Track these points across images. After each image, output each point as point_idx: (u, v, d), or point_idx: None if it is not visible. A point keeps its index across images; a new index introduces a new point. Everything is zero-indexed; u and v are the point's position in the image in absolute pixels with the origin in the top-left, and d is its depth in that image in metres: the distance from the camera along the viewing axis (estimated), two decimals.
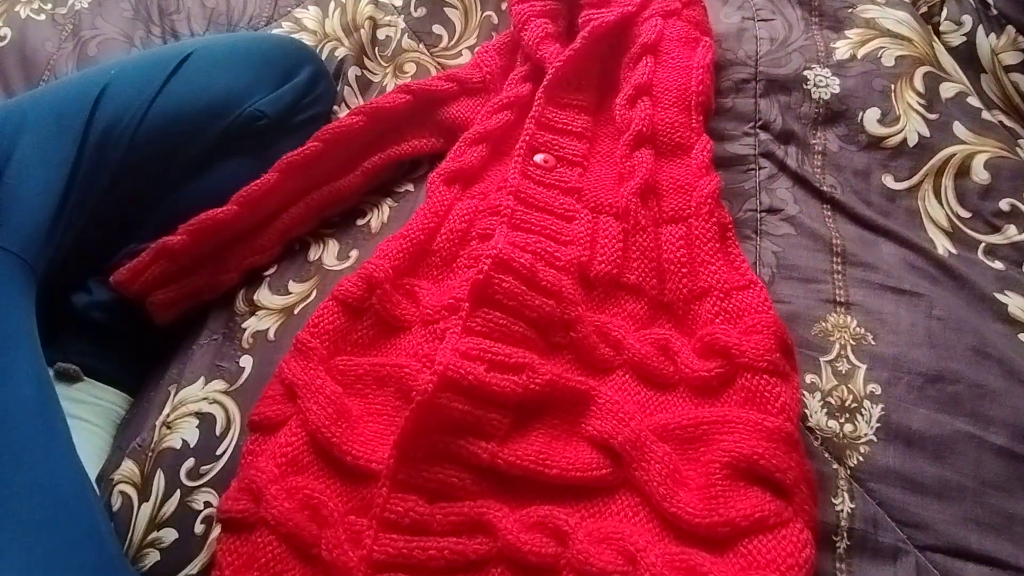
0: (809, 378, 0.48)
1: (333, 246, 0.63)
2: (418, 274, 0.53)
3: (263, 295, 0.60)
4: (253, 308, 0.60)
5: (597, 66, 0.61)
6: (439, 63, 0.73)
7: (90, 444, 0.54)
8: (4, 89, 0.78)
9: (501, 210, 0.52)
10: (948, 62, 0.64)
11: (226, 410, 0.54)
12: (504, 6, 0.76)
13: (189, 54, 0.62)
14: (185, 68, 0.61)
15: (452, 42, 0.74)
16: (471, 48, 0.73)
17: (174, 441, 0.52)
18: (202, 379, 0.56)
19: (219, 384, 0.55)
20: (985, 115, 0.61)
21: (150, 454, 0.52)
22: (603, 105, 0.60)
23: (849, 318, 0.50)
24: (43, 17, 0.84)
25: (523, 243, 0.50)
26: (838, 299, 0.51)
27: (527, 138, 0.56)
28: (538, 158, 0.56)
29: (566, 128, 0.58)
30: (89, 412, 0.57)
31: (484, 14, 0.75)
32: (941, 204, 0.57)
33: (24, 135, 0.56)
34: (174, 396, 0.55)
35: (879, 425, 0.45)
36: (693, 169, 0.53)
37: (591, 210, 0.53)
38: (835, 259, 0.54)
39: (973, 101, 0.62)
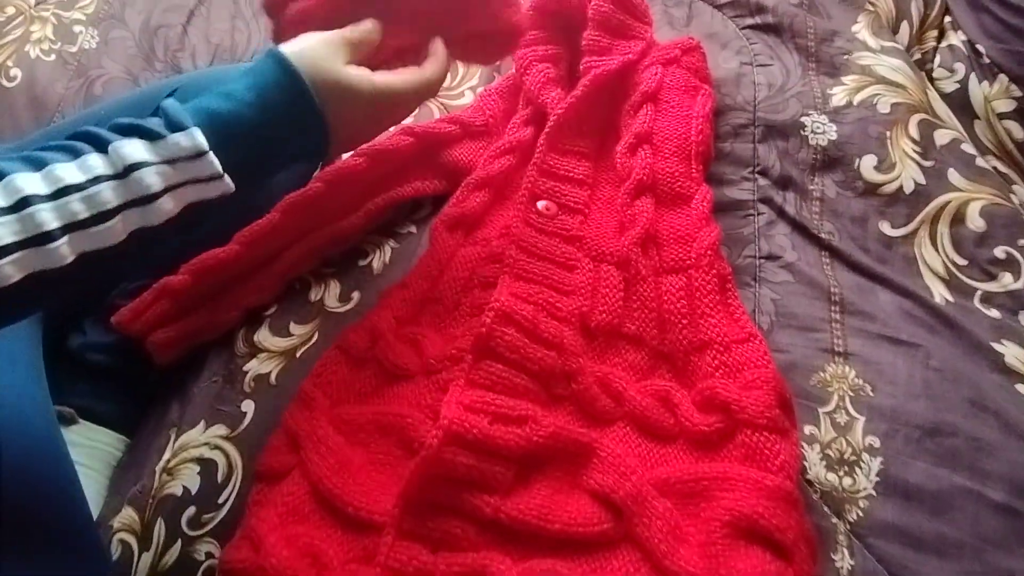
0: (808, 429, 0.49)
1: (335, 287, 0.63)
2: (421, 322, 0.54)
3: (264, 336, 0.61)
4: (254, 350, 0.60)
5: (598, 112, 0.62)
6: (441, 103, 0.74)
7: (85, 488, 0.54)
8: (14, 130, 0.79)
9: (504, 259, 0.52)
10: (942, 109, 0.65)
11: (228, 457, 0.54)
12: None
13: (175, 89, 0.62)
14: None
15: (455, 83, 0.75)
16: (473, 89, 0.74)
17: (175, 488, 0.52)
18: (203, 423, 0.56)
19: (220, 429, 0.55)
20: (979, 161, 0.62)
21: (151, 501, 0.52)
22: (604, 151, 0.61)
23: (847, 368, 0.51)
24: (52, 57, 0.85)
25: (525, 294, 0.50)
26: (836, 349, 0.52)
27: (529, 185, 0.57)
28: (540, 205, 0.57)
29: (568, 175, 0.58)
30: (83, 455, 0.56)
31: None
32: (937, 251, 0.58)
33: None
34: (174, 440, 0.55)
35: (878, 479, 0.46)
36: (693, 219, 0.54)
37: (592, 259, 0.54)
38: (833, 308, 0.54)
39: (967, 148, 0.63)
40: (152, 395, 0.61)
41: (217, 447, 0.54)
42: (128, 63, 0.84)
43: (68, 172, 0.37)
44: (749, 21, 0.72)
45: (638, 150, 0.57)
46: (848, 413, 0.49)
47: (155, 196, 0.39)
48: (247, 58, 0.84)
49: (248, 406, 0.56)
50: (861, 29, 0.70)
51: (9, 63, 0.85)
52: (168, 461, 0.54)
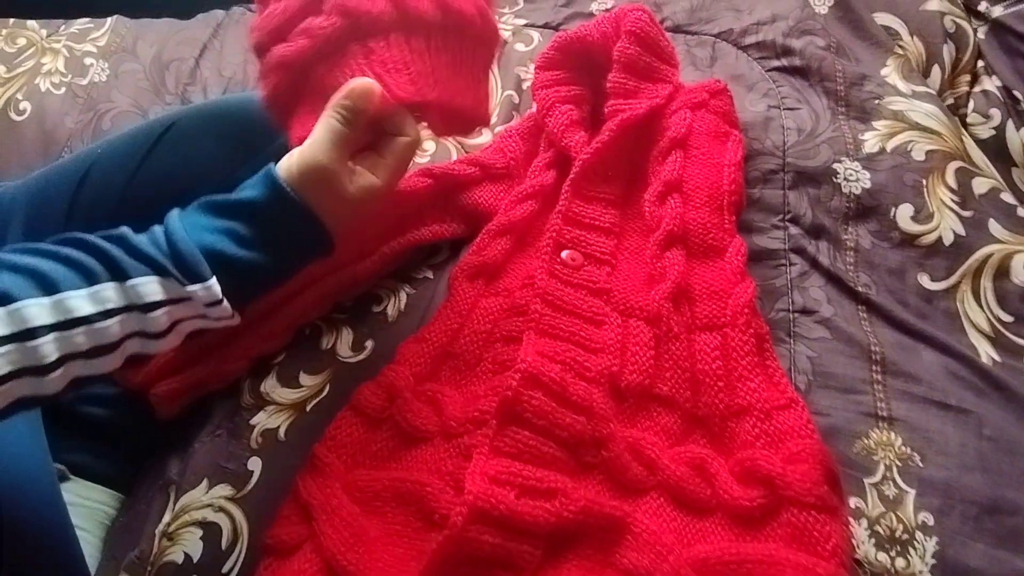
0: (853, 502, 0.45)
1: (347, 334, 0.60)
2: (440, 378, 0.51)
3: (272, 386, 0.58)
4: (261, 401, 0.57)
5: (624, 157, 0.60)
6: (459, 142, 0.72)
7: None
8: (21, 165, 0.77)
9: (528, 312, 0.50)
10: (979, 156, 0.63)
11: (233, 520, 0.50)
12: (525, 85, 0.76)
13: (172, 124, 0.61)
14: (167, 138, 0.60)
15: None
16: (491, 127, 0.72)
17: (176, 555, 0.49)
18: (205, 481, 0.53)
19: (225, 489, 0.52)
20: (1020, 212, 0.60)
21: (149, 569, 0.49)
22: (630, 197, 0.59)
23: (893, 435, 0.48)
24: (62, 91, 0.84)
25: (552, 352, 0.48)
26: (880, 413, 0.49)
27: (554, 234, 0.54)
28: (565, 254, 0.54)
29: (593, 223, 0.56)
30: (76, 515, 0.53)
31: (505, 93, 0.75)
32: (981, 307, 0.55)
33: (13, 222, 0.56)
34: (175, 501, 0.52)
35: (935, 562, 0.42)
36: (727, 274, 0.51)
37: (620, 313, 0.51)
38: (874, 367, 0.52)
39: (1007, 197, 0.60)
40: (150, 449, 0.57)
41: (221, 509, 0.51)
42: (137, 96, 0.82)
43: (79, 303, 0.36)
44: (775, 63, 0.71)
45: (667, 199, 0.54)
46: (897, 485, 0.46)
47: (162, 333, 0.39)
48: None
49: (255, 463, 0.53)
50: (891, 73, 0.69)
51: (19, 96, 0.83)
52: (168, 524, 0.51)
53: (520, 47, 0.80)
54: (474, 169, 0.63)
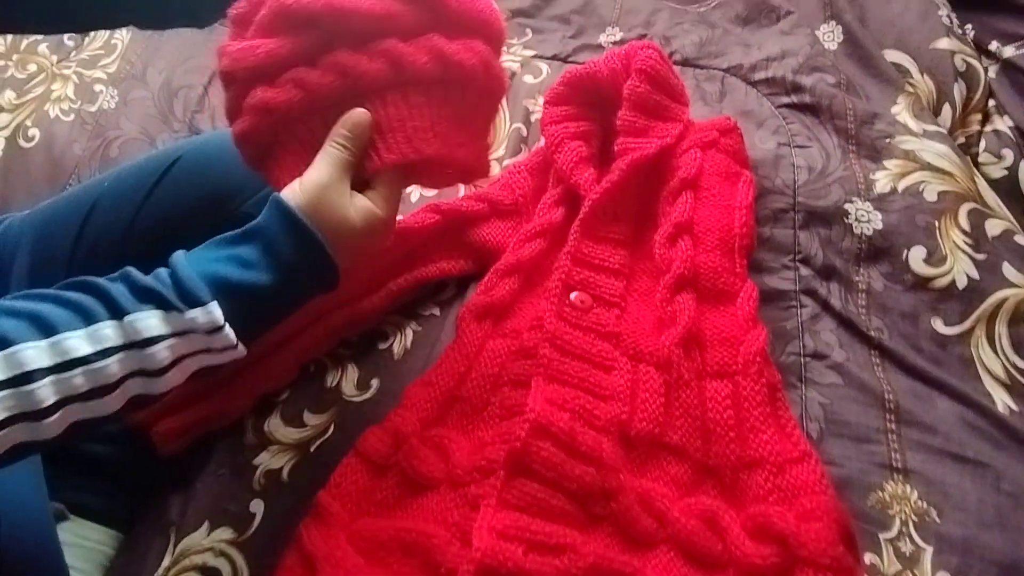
0: (868, 558, 0.44)
1: (352, 372, 0.60)
2: (447, 423, 0.50)
3: (275, 425, 0.57)
4: (264, 440, 0.56)
5: (634, 196, 0.60)
6: None
7: None
8: (28, 193, 0.77)
9: (536, 356, 0.49)
10: (991, 197, 0.62)
11: (234, 565, 0.50)
12: (534, 118, 0.75)
13: (178, 157, 0.61)
14: (173, 171, 0.60)
15: None
16: (499, 160, 0.72)
17: None
18: (207, 524, 0.52)
19: (226, 532, 0.51)
20: None
21: None
22: (640, 237, 0.59)
23: (909, 488, 0.47)
24: (71, 117, 0.84)
25: (561, 400, 0.47)
26: (895, 464, 0.48)
27: (562, 275, 0.54)
28: (573, 296, 0.54)
29: (603, 264, 0.55)
30: (74, 556, 0.52)
31: (513, 126, 0.75)
32: (996, 353, 0.54)
33: (18, 255, 0.56)
34: (175, 544, 0.51)
35: None
36: (739, 320, 0.50)
37: (630, 358, 0.50)
38: (888, 416, 0.51)
39: (1021, 239, 0.60)
40: (151, 487, 0.57)
41: (222, 553, 0.50)
42: (145, 124, 0.82)
43: (77, 343, 0.35)
44: (785, 100, 0.71)
45: (678, 241, 0.54)
46: (913, 541, 0.45)
47: (164, 369, 0.38)
48: None
49: (257, 506, 0.52)
50: (902, 111, 0.68)
51: (28, 123, 0.83)
52: (168, 569, 0.50)
53: (529, 79, 0.80)
54: (482, 205, 0.63)
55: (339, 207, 0.42)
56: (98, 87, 0.87)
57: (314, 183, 0.42)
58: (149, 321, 0.37)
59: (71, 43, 0.93)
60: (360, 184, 0.44)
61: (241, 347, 0.41)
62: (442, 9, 0.43)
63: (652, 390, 0.48)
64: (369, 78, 0.42)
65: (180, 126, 0.83)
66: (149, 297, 0.38)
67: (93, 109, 0.85)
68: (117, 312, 0.37)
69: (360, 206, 0.43)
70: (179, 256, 0.41)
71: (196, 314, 0.38)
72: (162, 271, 0.40)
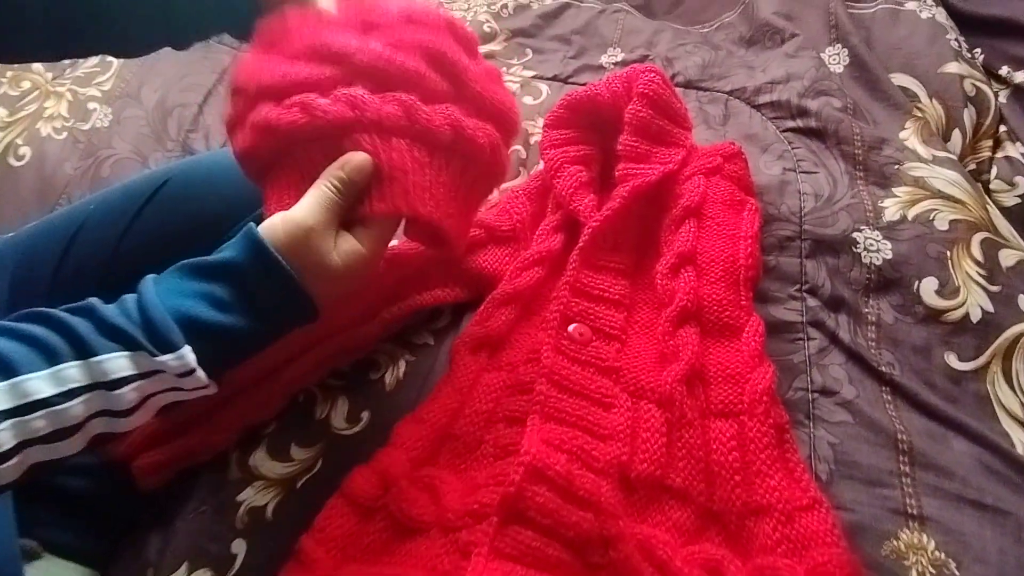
0: None
1: (342, 404, 0.58)
2: (438, 462, 0.48)
3: (261, 459, 0.55)
4: (249, 476, 0.54)
5: (635, 224, 0.58)
6: None
7: None
8: (17, 211, 0.75)
9: (533, 393, 0.47)
10: (1004, 226, 0.60)
11: None
12: (533, 140, 0.74)
13: (166, 180, 0.59)
14: (160, 195, 0.58)
15: None
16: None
17: None
18: (186, 565, 0.50)
19: (206, 574, 0.49)
20: None
21: None
22: (641, 266, 0.57)
23: (925, 537, 0.44)
24: (64, 135, 0.82)
25: (558, 440, 0.45)
26: (910, 511, 0.46)
27: (560, 306, 0.52)
28: (572, 328, 0.52)
29: (603, 295, 0.54)
30: None
31: (511, 148, 0.73)
32: (1014, 390, 0.52)
33: (2, 278, 0.54)
34: None
35: None
36: (744, 356, 0.48)
37: (631, 394, 0.48)
38: (902, 458, 0.48)
39: None
40: (131, 523, 0.54)
41: None
42: (138, 143, 0.81)
43: (39, 384, 0.34)
44: (790, 124, 0.69)
45: (681, 271, 0.52)
46: None
47: (130, 410, 0.37)
48: None
49: (239, 546, 0.50)
50: (910, 136, 0.67)
51: (19, 141, 0.82)
52: None
53: (528, 100, 0.78)
54: (479, 231, 0.61)
55: (320, 249, 0.40)
56: (92, 105, 0.86)
57: (296, 223, 0.40)
58: (117, 362, 0.35)
59: (66, 60, 0.92)
60: (351, 220, 0.43)
61: (213, 386, 0.39)
62: (467, 87, 0.44)
63: (653, 429, 0.46)
64: (378, 117, 0.41)
65: (174, 145, 0.81)
66: (117, 336, 0.36)
67: (86, 127, 0.83)
68: (83, 351, 0.35)
69: (344, 248, 0.41)
70: (148, 286, 0.39)
71: (167, 359, 0.37)
72: (130, 303, 0.38)
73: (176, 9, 0.47)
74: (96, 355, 0.35)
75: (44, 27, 0.47)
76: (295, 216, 0.41)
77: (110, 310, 0.38)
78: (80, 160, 0.80)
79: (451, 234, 0.44)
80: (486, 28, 0.87)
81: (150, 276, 0.41)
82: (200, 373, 0.38)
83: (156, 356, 0.36)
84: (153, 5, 0.46)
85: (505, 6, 0.89)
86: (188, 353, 0.37)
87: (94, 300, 0.38)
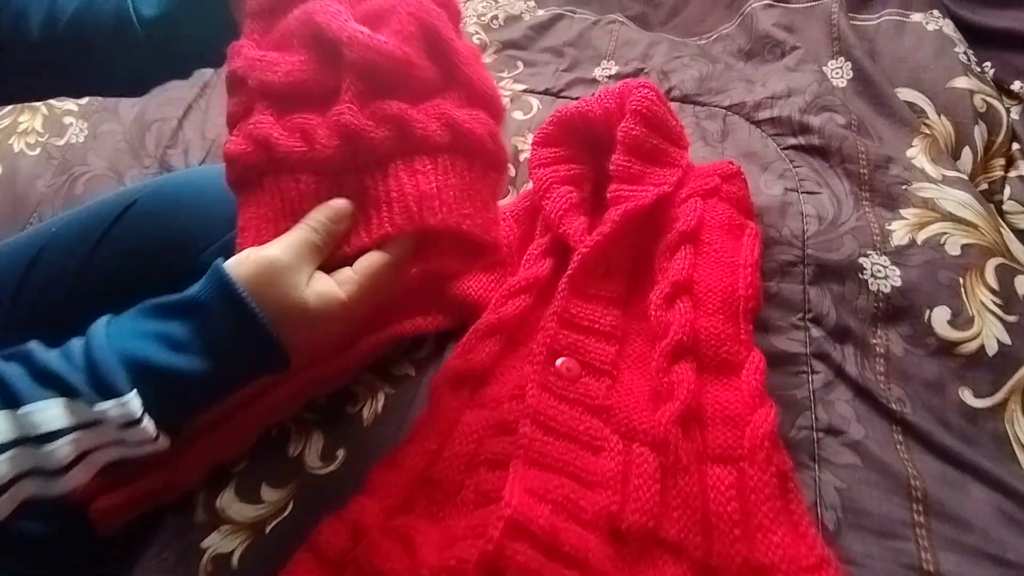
0: None
1: (317, 440, 0.54)
2: (415, 510, 0.44)
3: (229, 501, 0.51)
4: (215, 519, 0.50)
5: (628, 250, 0.54)
6: None
7: None
8: None
9: (516, 434, 0.43)
10: (1020, 250, 0.57)
11: None
12: (523, 157, 0.71)
13: (133, 201, 0.56)
14: (127, 217, 0.56)
15: None
16: None
17: None
18: None
19: None
20: None
21: None
22: (635, 294, 0.53)
23: None
24: (37, 151, 0.80)
25: (542, 488, 0.41)
26: (925, 567, 0.42)
27: (548, 340, 0.48)
28: (560, 363, 0.48)
29: (593, 326, 0.50)
30: None
31: None
32: None
33: None
34: None
35: None
36: (744, 396, 0.45)
37: (622, 436, 0.45)
38: (915, 506, 0.45)
39: None
40: (88, 571, 0.51)
41: None
42: (115, 159, 0.78)
43: None
44: (792, 141, 0.66)
45: (676, 302, 0.49)
46: None
47: (65, 469, 0.33)
48: None
49: None
50: (918, 154, 0.63)
51: None
52: None
53: (519, 115, 0.75)
54: None
55: (291, 286, 0.37)
56: (68, 119, 0.83)
57: (266, 258, 0.37)
58: (48, 412, 0.32)
59: None
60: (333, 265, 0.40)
61: (163, 439, 0.35)
62: (458, 73, 0.42)
63: (646, 475, 0.43)
64: (373, 146, 0.39)
65: (151, 162, 0.78)
66: (51, 382, 0.33)
67: (60, 143, 0.81)
68: (10, 399, 0.32)
69: (319, 289, 0.38)
70: (99, 328, 0.36)
71: (108, 406, 0.33)
72: (75, 346, 0.35)
73: (174, 45, 0.45)
74: (24, 404, 0.32)
75: (37, 67, 0.45)
76: (266, 251, 0.38)
77: (50, 355, 0.34)
78: (54, 177, 0.77)
79: (477, 232, 0.41)
80: (475, 40, 0.84)
81: (105, 316, 0.38)
82: (147, 424, 0.34)
83: (94, 404, 0.33)
84: (142, 45, 0.44)
85: (495, 17, 0.87)
86: (132, 400, 0.34)
87: (33, 344, 0.35)
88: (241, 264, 0.37)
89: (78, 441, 0.33)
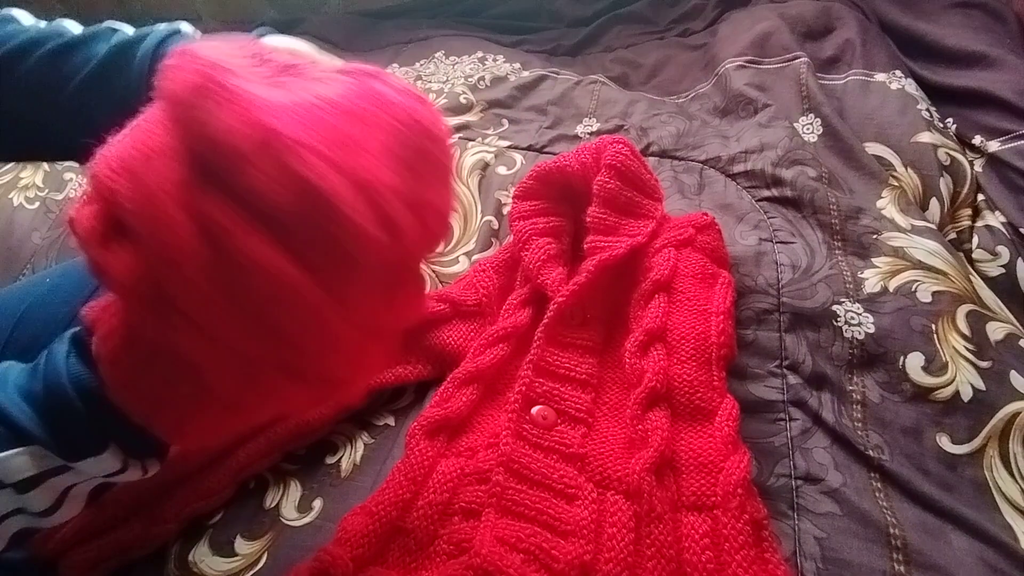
0: None
1: (294, 491, 0.54)
2: (387, 561, 0.44)
3: (202, 554, 0.50)
4: (187, 574, 0.49)
5: (604, 299, 0.56)
6: (433, 270, 0.68)
7: None
8: None
9: (489, 486, 0.43)
10: (990, 297, 0.58)
11: None
12: (506, 210, 0.73)
13: None
14: None
15: (449, 247, 0.70)
16: (468, 255, 0.69)
17: None
18: None
19: None
20: None
21: None
22: (611, 343, 0.54)
23: None
24: (36, 205, 0.82)
25: (514, 537, 0.41)
26: None
27: (523, 388, 0.49)
28: (535, 411, 0.48)
29: (568, 374, 0.51)
30: None
31: (484, 219, 0.72)
32: (1013, 476, 0.48)
33: None
34: None
35: None
36: (718, 443, 0.45)
37: (596, 484, 0.45)
38: (895, 556, 0.44)
39: None
40: None
41: None
42: None
43: None
44: (765, 193, 0.68)
45: (650, 350, 0.49)
46: None
47: (51, 508, 0.32)
48: None
49: None
50: (887, 205, 0.65)
51: None
52: None
53: (502, 170, 0.78)
54: (443, 306, 0.59)
55: None
56: (68, 175, 0.86)
57: None
58: (15, 461, 0.32)
59: None
60: None
61: (142, 467, 0.34)
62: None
63: (620, 524, 0.42)
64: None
65: None
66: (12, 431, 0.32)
67: (59, 197, 0.83)
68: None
69: None
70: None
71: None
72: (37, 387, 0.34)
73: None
74: None
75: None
76: None
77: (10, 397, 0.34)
78: (49, 230, 0.79)
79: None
80: (462, 100, 0.88)
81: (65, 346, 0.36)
82: (113, 459, 0.33)
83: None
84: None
85: (482, 78, 0.91)
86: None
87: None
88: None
89: (54, 485, 0.33)
